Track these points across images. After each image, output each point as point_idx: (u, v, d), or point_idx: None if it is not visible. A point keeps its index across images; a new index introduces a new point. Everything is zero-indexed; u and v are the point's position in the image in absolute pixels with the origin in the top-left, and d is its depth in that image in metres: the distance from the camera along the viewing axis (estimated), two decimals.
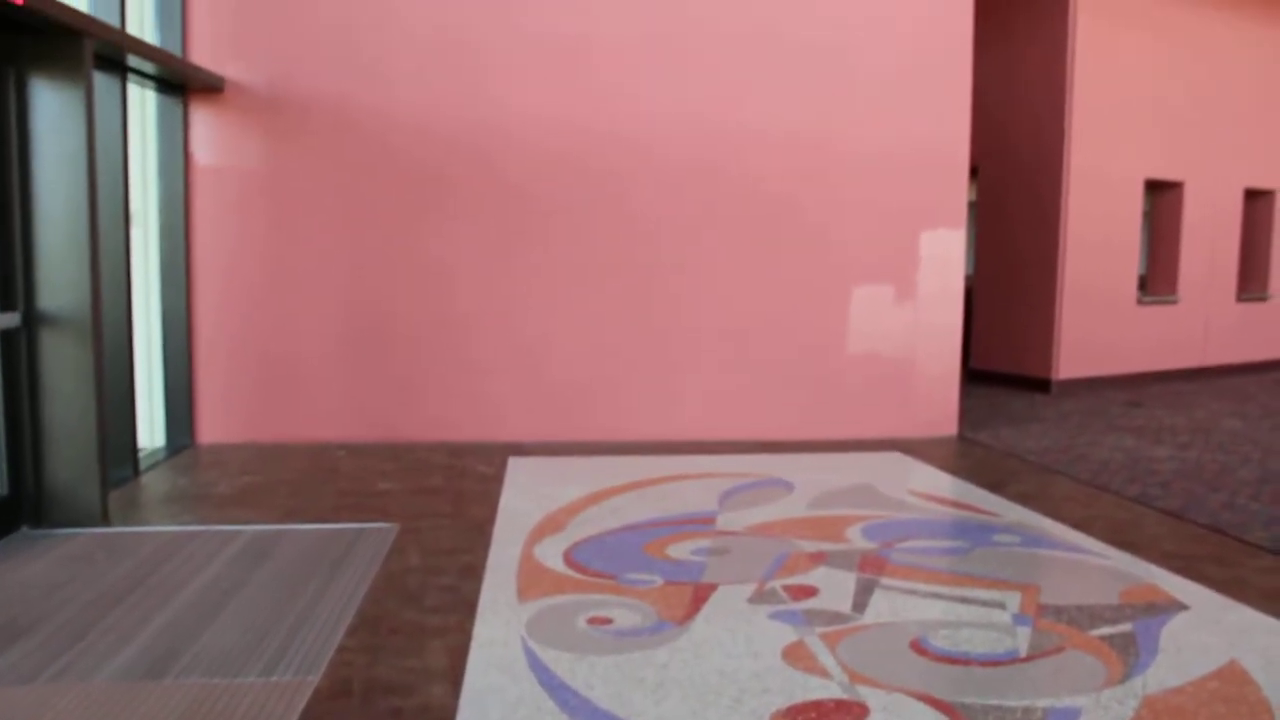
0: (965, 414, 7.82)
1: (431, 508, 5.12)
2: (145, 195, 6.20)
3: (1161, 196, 11.17)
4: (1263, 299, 12.22)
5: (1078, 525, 4.97)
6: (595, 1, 6.69)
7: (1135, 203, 10.49)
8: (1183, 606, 3.72)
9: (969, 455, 6.85)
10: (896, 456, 6.68)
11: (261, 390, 6.61)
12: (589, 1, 6.68)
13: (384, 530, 4.68)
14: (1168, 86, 10.64)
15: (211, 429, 6.57)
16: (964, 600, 3.77)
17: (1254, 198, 12.08)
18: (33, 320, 4.58)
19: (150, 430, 6.39)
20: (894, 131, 7.13)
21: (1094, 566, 4.29)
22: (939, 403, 7.41)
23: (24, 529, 4.63)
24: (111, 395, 5.31)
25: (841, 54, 7.04)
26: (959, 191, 7.29)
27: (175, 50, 6.18)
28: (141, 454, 6.03)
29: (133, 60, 5.38)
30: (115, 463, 5.50)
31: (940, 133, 7.19)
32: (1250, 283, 12.23)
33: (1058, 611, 3.62)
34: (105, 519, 4.74)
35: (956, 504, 5.49)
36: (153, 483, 5.64)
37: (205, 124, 6.34)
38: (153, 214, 6.25)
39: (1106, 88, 9.96)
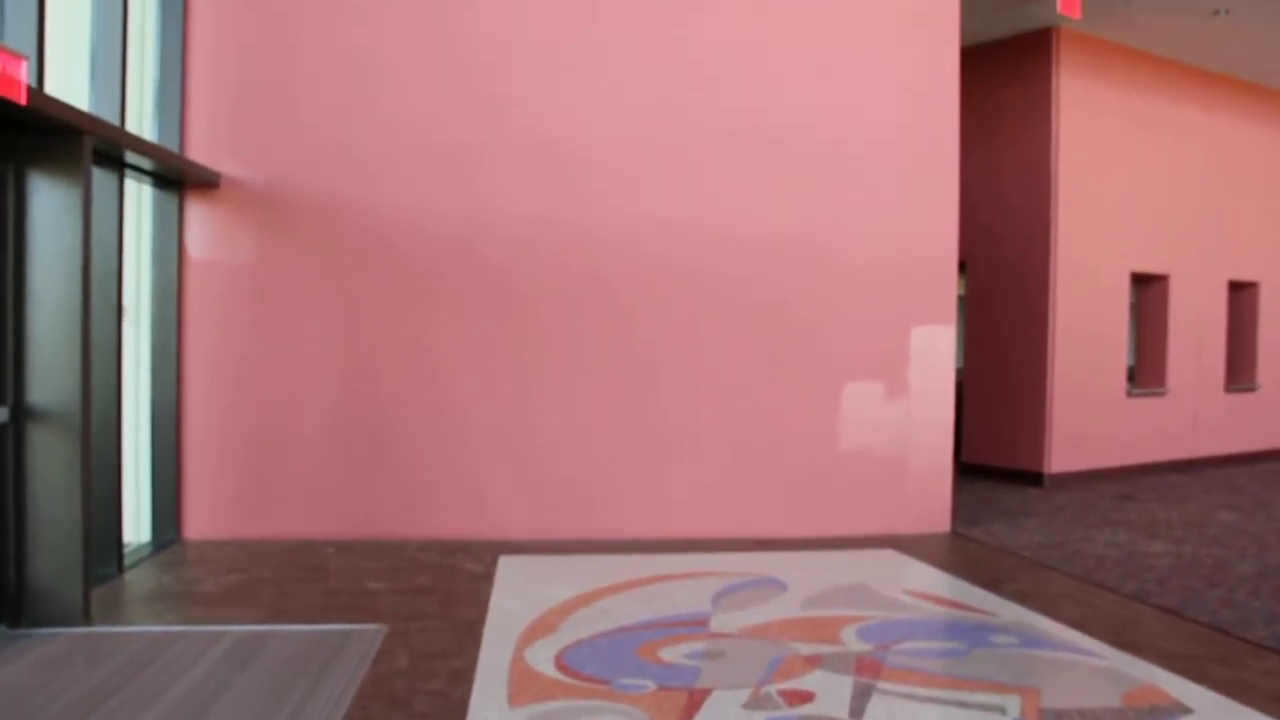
0: (958, 509, 7.79)
1: (421, 608, 5.04)
2: (138, 288, 6.21)
3: (1147, 289, 11.28)
4: (1251, 389, 12.28)
5: (1076, 624, 4.91)
6: (586, 103, 6.80)
7: (1122, 296, 10.59)
8: (1186, 710, 3.66)
9: (963, 552, 6.80)
10: (890, 554, 6.62)
11: (250, 485, 6.55)
12: (580, 103, 6.79)
13: (372, 632, 4.59)
14: (1150, 181, 10.82)
15: (198, 524, 6.49)
16: (963, 705, 3.70)
17: (1238, 289, 12.21)
18: (21, 414, 4.55)
19: (136, 525, 6.31)
20: (883, 229, 7.22)
21: (1094, 668, 4.22)
22: (932, 498, 7.38)
23: (2, 628, 4.53)
24: (98, 489, 5.25)
25: (830, 154, 7.16)
26: (948, 288, 7.35)
27: (173, 146, 6.25)
28: (127, 550, 5.95)
29: (131, 157, 5.44)
30: (100, 559, 5.41)
31: (929, 230, 7.28)
32: (1238, 373, 12.29)
33: (1059, 716, 3.56)
34: (87, 618, 4.64)
35: (952, 603, 5.43)
36: (137, 580, 5.55)
37: (200, 219, 6.38)
38: (145, 307, 6.26)
39: (1090, 183, 10.12)
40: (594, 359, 6.84)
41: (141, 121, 6.21)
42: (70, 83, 5.51)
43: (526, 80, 6.73)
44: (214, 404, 6.47)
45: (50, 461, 4.60)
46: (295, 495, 6.58)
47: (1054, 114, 9.87)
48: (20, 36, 4.57)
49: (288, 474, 6.57)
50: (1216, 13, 9.54)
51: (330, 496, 6.60)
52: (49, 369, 4.58)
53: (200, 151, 6.33)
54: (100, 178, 5.39)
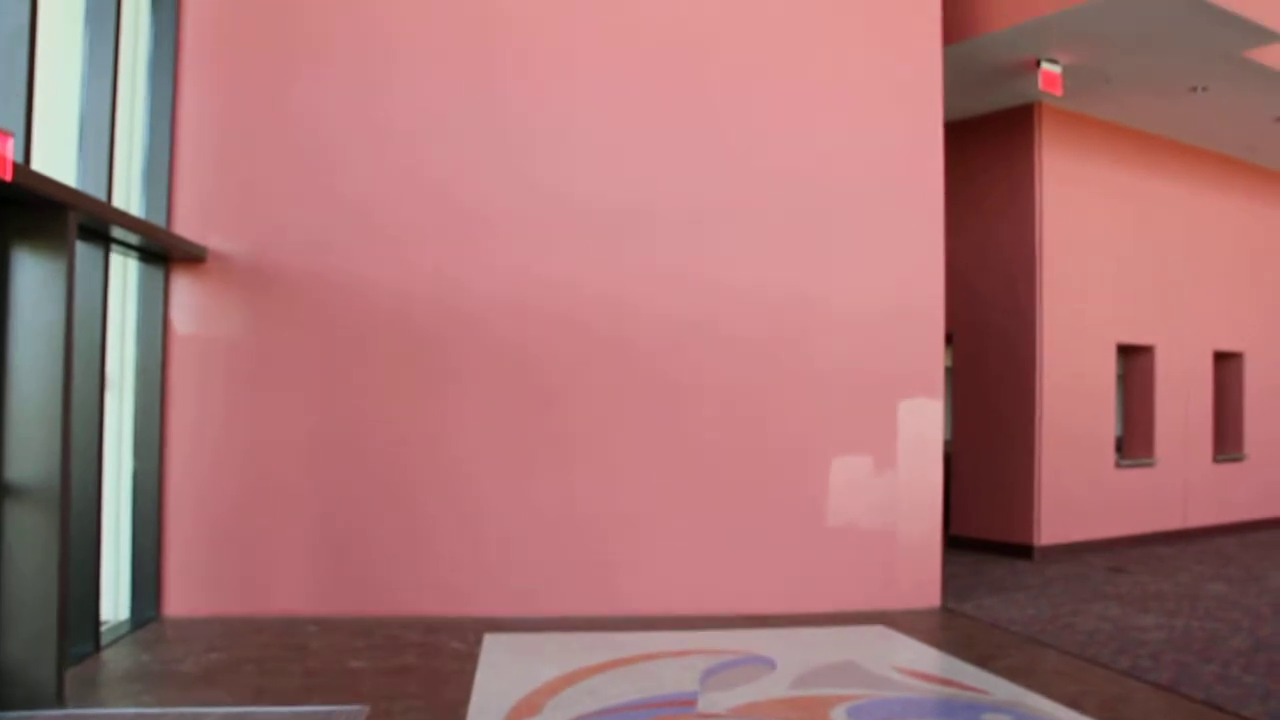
0: (948, 583, 7.71)
1: (404, 689, 4.94)
2: (122, 362, 6.18)
3: (1134, 360, 11.33)
4: (1238, 459, 12.28)
5: (1070, 702, 4.84)
6: (577, 167, 6.85)
7: (1109, 367, 10.63)
8: None
9: (953, 628, 6.72)
10: (880, 630, 6.54)
11: (232, 561, 6.45)
12: (570, 166, 6.84)
13: (354, 713, 4.50)
14: (1134, 252, 10.92)
15: (178, 601, 6.38)
16: None
17: (1223, 360, 12.28)
18: None
19: (114, 602, 6.20)
20: (870, 303, 7.26)
21: None
22: (921, 573, 7.31)
23: None
24: (76, 566, 5.16)
25: (816, 229, 7.22)
26: (935, 361, 7.37)
27: (161, 219, 6.26)
28: (104, 627, 5.83)
29: (117, 231, 5.43)
30: (76, 638, 5.30)
31: (916, 304, 7.32)
32: (1225, 443, 12.31)
33: None
34: (60, 700, 4.53)
35: (944, 681, 5.35)
36: (114, 659, 5.43)
37: (186, 293, 6.37)
38: (129, 381, 6.21)
39: (1075, 255, 10.21)
40: (580, 432, 6.80)
41: (129, 194, 6.22)
42: (58, 156, 5.53)
43: (511, 145, 6.79)
44: (197, 479, 6.40)
45: (27, 539, 4.52)
46: (278, 571, 6.48)
47: (1038, 188, 9.99)
48: (9, 109, 4.58)
49: (270, 550, 6.48)
50: (1195, 89, 9.71)
51: (313, 573, 6.50)
52: (29, 445, 4.52)
53: (187, 225, 6.34)
54: (86, 252, 5.39)
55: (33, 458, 4.52)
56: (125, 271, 6.20)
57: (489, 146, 6.75)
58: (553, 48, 6.91)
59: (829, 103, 7.34)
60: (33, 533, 4.52)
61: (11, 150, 3.98)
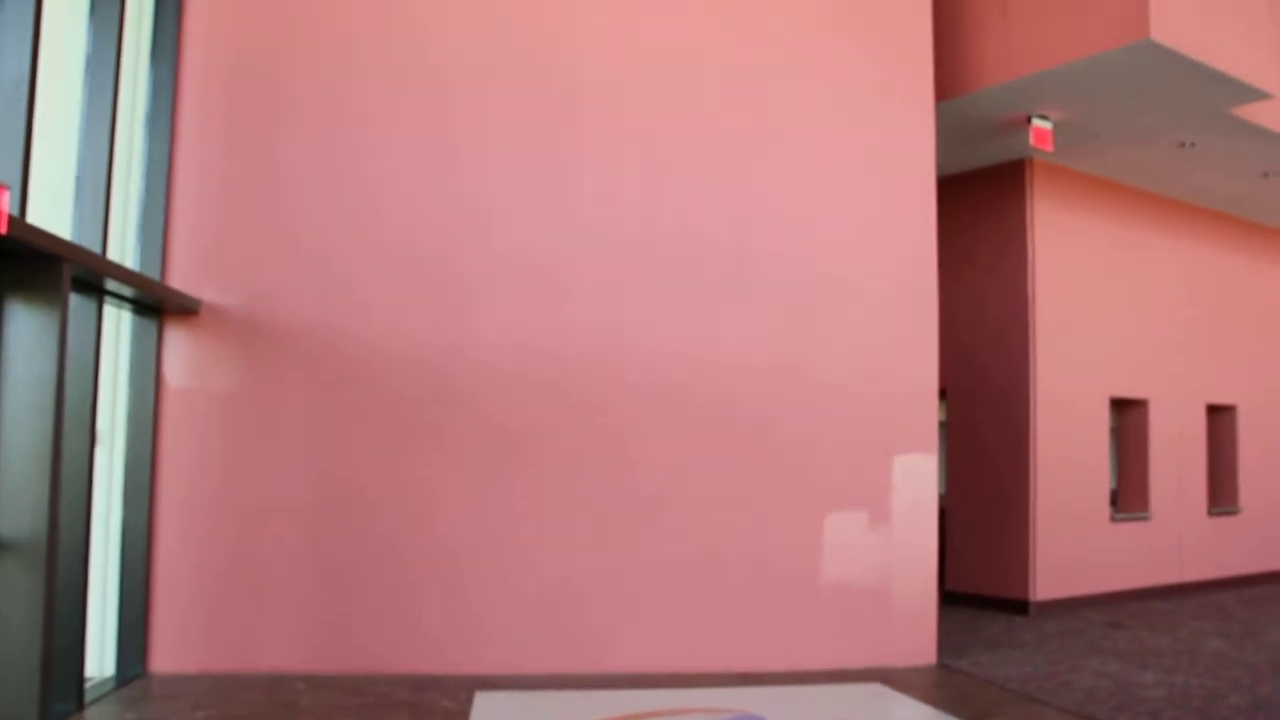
0: (944, 639, 7.64)
1: None
2: (114, 414, 6.14)
3: (1127, 413, 11.34)
4: (1233, 513, 12.25)
5: None
6: (571, 233, 6.87)
7: (1102, 420, 10.63)
8: None
9: (950, 685, 6.64)
10: (876, 688, 6.46)
11: (221, 617, 6.37)
12: (565, 233, 6.86)
13: None
14: (1126, 306, 10.97)
15: (166, 657, 6.28)
16: None
17: (1216, 413, 12.30)
18: None
19: (100, 658, 6.11)
20: (864, 360, 7.26)
21: None
22: (917, 629, 7.24)
23: None
24: (61, 621, 5.08)
25: (810, 285, 7.24)
26: (929, 417, 7.36)
27: (155, 271, 6.26)
28: (89, 684, 5.72)
29: (111, 284, 5.42)
30: (59, 695, 5.19)
31: (909, 359, 7.33)
32: (1220, 496, 12.28)
33: None
34: None
35: None
36: (99, 718, 5.34)
37: (179, 346, 6.34)
38: (120, 434, 6.17)
39: (1067, 309, 10.25)
40: (575, 488, 6.76)
41: (124, 246, 6.22)
42: (55, 206, 5.53)
43: (511, 210, 6.81)
44: (187, 532, 6.33)
45: (12, 595, 4.46)
46: (267, 627, 6.40)
47: (1030, 242, 10.05)
48: (7, 161, 4.59)
49: (260, 606, 6.40)
50: (1183, 145, 9.81)
51: (303, 629, 6.42)
52: (17, 499, 4.48)
53: (181, 277, 6.34)
54: (79, 304, 5.37)
55: (21, 511, 4.47)
56: (118, 323, 6.18)
57: (482, 209, 6.78)
58: (544, 117, 6.96)
59: (823, 159, 7.41)
60: (18, 587, 4.46)
61: (8, 203, 3.98)
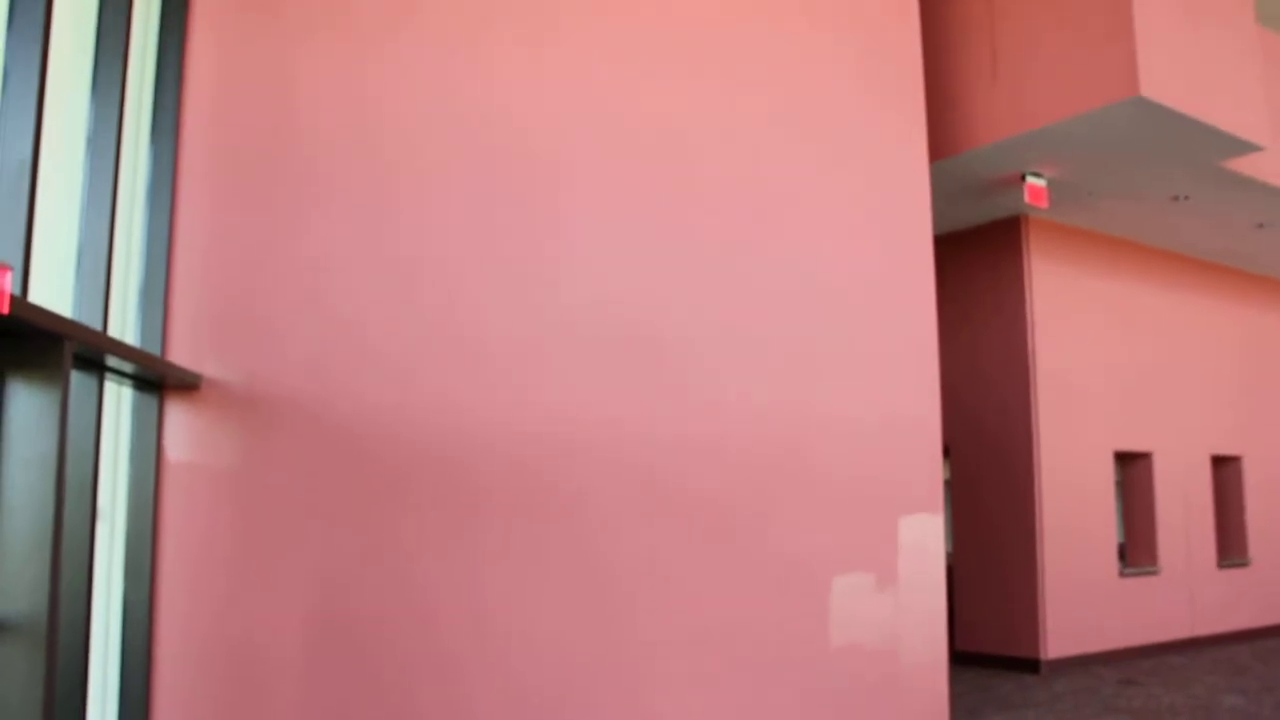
0: (955, 701, 7.52)
1: None
2: (114, 491, 6.10)
3: (1131, 467, 11.30)
4: (1243, 564, 12.16)
5: None
6: (576, 292, 6.87)
7: (1107, 475, 10.59)
8: None
9: None
10: None
11: (223, 697, 6.27)
12: (570, 291, 6.86)
13: None
14: (1126, 359, 10.99)
15: None
16: None
17: (1221, 464, 12.26)
18: None
19: None
20: (867, 421, 7.23)
21: None
22: (927, 693, 7.14)
23: None
24: (61, 702, 5.01)
25: (810, 343, 7.23)
26: (934, 476, 7.33)
27: (156, 346, 6.25)
28: None
29: (112, 360, 5.41)
30: None
31: (912, 418, 7.31)
32: (1229, 549, 12.21)
33: None
34: None
35: None
36: None
37: (180, 421, 6.32)
38: (121, 511, 6.12)
39: (1068, 364, 10.28)
40: (580, 554, 6.69)
41: (125, 322, 6.22)
42: (55, 282, 5.55)
43: (511, 273, 6.80)
44: (188, 610, 6.24)
45: (10, 678, 4.38)
46: (270, 709, 6.29)
47: (1028, 298, 10.10)
48: (9, 242, 4.60)
49: (263, 687, 6.30)
50: (1177, 198, 9.90)
51: (307, 710, 6.32)
52: (17, 580, 4.41)
53: (182, 352, 6.33)
54: (80, 381, 5.36)
55: (21, 592, 4.41)
56: (119, 399, 6.16)
57: (488, 273, 6.77)
58: (553, 179, 6.98)
59: (820, 221, 7.44)
60: (17, 669, 4.38)
61: (9, 283, 3.98)
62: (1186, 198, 9.88)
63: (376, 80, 6.80)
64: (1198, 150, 8.56)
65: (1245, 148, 8.45)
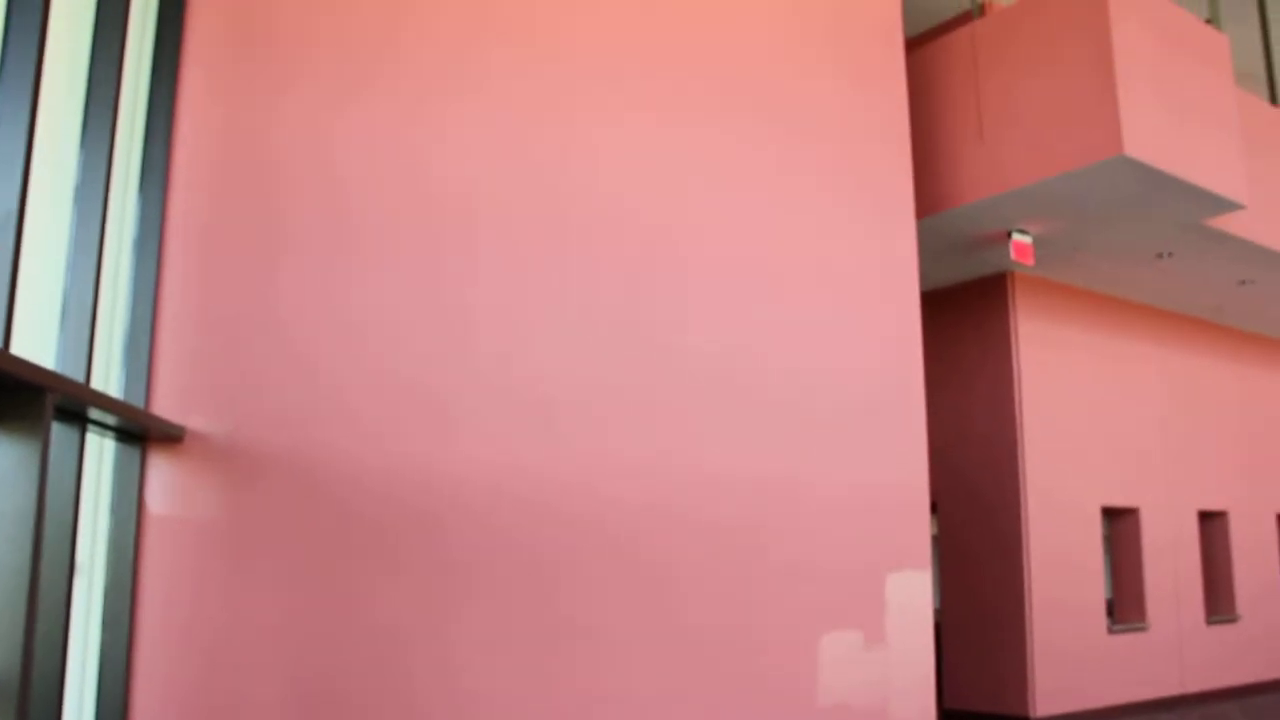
0: None
1: None
2: (93, 544, 6.02)
3: (1119, 522, 11.28)
4: (1232, 620, 12.11)
5: None
6: (559, 352, 6.86)
7: (1095, 530, 10.57)
8: None
9: None
10: None
11: None
12: (554, 353, 6.84)
13: None
14: (1113, 415, 11.02)
15: None
16: None
17: (1208, 519, 12.25)
18: None
19: None
20: (854, 479, 7.21)
21: None
22: None
23: None
24: None
25: (798, 402, 7.22)
26: (922, 533, 7.30)
27: (139, 397, 6.20)
28: None
29: (94, 413, 5.37)
30: None
31: (900, 475, 7.30)
32: (1218, 605, 12.15)
33: None
34: None
35: None
36: None
37: (162, 473, 6.25)
38: (99, 564, 6.04)
39: (1055, 419, 10.29)
40: (560, 619, 6.61)
41: (109, 373, 6.18)
42: (39, 333, 5.51)
43: (485, 334, 6.78)
44: (166, 664, 6.15)
45: None
46: None
47: (1014, 354, 10.14)
48: None
49: None
50: (1160, 255, 9.98)
51: None
52: None
53: (166, 404, 6.28)
54: (61, 433, 5.31)
55: None
56: (101, 451, 6.11)
57: (461, 334, 6.75)
58: (533, 243, 7.00)
59: (808, 279, 7.47)
60: None
61: None
62: (1170, 255, 9.96)
63: (364, 138, 6.83)
64: (1181, 208, 8.65)
65: (1226, 206, 8.55)
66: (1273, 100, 11.44)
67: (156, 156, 6.59)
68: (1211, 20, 9.21)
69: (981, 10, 9.65)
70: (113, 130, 6.10)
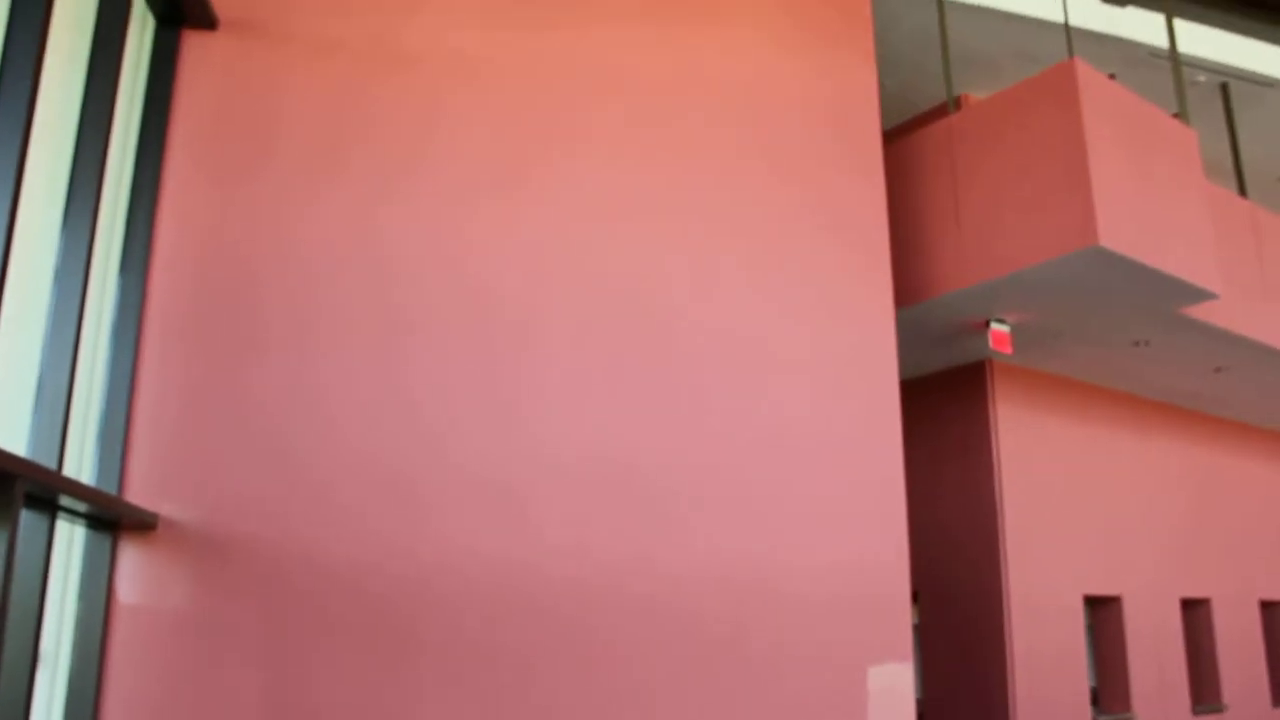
0: None
1: None
2: (59, 635, 5.88)
3: (1101, 611, 11.21)
4: (1218, 710, 11.98)
5: None
6: (531, 445, 6.80)
7: (1078, 619, 10.49)
8: None
9: None
10: None
11: None
12: (524, 445, 6.79)
13: None
14: (1093, 502, 11.02)
15: None
16: None
17: (1191, 607, 12.18)
18: None
19: None
20: (834, 570, 7.15)
21: None
22: None
23: None
24: None
25: (778, 494, 7.19)
26: (903, 624, 7.23)
27: (111, 486, 6.12)
28: None
29: (65, 500, 5.29)
30: None
31: (879, 568, 7.25)
32: (1203, 694, 12.03)
33: None
34: None
35: None
36: None
37: (134, 561, 6.14)
38: (64, 655, 5.90)
39: (1035, 508, 10.28)
40: (539, 710, 6.48)
41: (82, 458, 6.10)
42: (11, 417, 5.45)
43: (465, 423, 6.75)
44: None
45: None
46: None
47: (994, 442, 10.15)
48: None
49: None
50: (1137, 343, 10.07)
51: None
52: None
53: (140, 491, 6.19)
54: (30, 521, 5.22)
55: None
56: (71, 537, 6.00)
57: (433, 424, 6.72)
58: (523, 327, 7.01)
59: (789, 369, 7.49)
60: None
61: None
62: (1147, 343, 10.05)
63: (339, 227, 6.87)
64: (1156, 297, 8.75)
65: (1200, 295, 8.65)
66: (1241, 192, 11.68)
67: (138, 240, 6.59)
68: (1179, 115, 9.42)
69: (958, 104, 9.87)
70: (95, 213, 6.09)
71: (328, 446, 6.57)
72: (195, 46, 6.77)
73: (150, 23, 6.66)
